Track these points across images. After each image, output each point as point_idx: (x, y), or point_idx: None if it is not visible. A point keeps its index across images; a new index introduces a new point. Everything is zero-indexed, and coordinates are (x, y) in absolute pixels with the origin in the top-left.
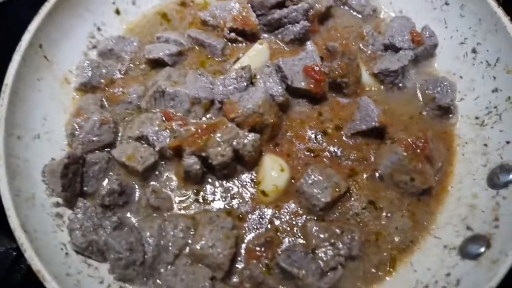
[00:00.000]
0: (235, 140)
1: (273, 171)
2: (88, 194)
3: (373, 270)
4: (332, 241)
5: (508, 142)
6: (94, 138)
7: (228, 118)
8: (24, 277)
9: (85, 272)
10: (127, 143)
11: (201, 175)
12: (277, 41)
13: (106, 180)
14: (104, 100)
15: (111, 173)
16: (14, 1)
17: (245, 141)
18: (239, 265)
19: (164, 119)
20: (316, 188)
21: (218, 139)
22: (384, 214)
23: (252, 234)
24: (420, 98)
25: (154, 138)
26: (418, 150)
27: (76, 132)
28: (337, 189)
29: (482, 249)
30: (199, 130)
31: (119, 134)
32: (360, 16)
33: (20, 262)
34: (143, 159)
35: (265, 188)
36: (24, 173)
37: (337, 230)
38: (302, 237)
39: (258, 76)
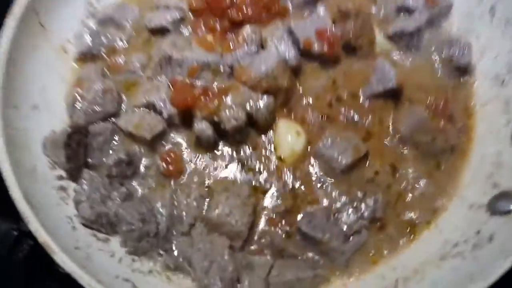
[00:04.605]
0: (248, 103)
1: (289, 135)
2: (93, 166)
3: (397, 234)
4: (355, 204)
5: None
6: (97, 108)
7: (239, 82)
8: (26, 257)
9: (94, 245)
10: (132, 112)
11: (213, 141)
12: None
13: (111, 151)
14: (105, 69)
15: (116, 144)
16: None
17: (259, 104)
18: (258, 233)
19: (171, 86)
20: (336, 150)
21: (230, 102)
22: (405, 176)
23: (270, 201)
24: (436, 59)
25: (162, 105)
26: (439, 110)
27: (77, 102)
28: (357, 151)
29: None
30: (210, 94)
31: (123, 104)
32: None
33: (22, 242)
34: (150, 127)
35: (282, 153)
36: (24, 145)
37: (359, 193)
38: (322, 201)
39: (269, 40)
